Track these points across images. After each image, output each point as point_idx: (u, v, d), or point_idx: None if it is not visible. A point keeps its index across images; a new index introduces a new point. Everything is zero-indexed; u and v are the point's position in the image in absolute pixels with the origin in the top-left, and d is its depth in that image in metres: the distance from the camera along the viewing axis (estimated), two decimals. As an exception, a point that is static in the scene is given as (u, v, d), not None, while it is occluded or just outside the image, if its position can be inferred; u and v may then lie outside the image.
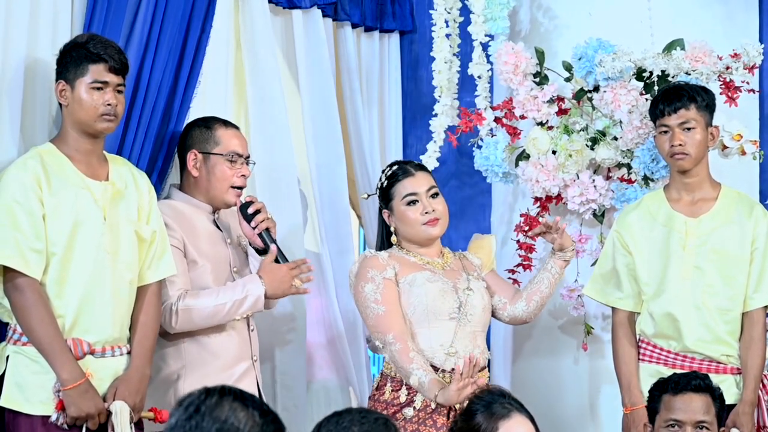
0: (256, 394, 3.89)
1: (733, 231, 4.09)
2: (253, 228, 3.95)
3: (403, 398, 3.94)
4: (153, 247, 3.72)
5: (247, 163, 4.03)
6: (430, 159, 4.70)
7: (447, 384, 3.79)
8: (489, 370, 4.20)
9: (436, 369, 3.92)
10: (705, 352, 4.07)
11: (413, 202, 4.06)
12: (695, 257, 4.08)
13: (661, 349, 4.13)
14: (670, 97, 4.10)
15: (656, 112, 4.12)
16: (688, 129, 4.06)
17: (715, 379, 3.83)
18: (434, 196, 4.08)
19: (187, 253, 3.90)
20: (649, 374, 4.05)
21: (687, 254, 4.09)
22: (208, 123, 4.01)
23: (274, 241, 3.96)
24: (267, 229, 3.96)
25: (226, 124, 4.04)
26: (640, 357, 4.16)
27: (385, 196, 4.11)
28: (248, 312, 3.89)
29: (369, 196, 4.31)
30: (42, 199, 3.49)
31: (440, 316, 3.98)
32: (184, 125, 4.07)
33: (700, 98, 4.08)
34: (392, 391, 3.96)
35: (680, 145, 4.05)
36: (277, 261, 3.94)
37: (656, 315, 4.12)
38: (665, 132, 4.10)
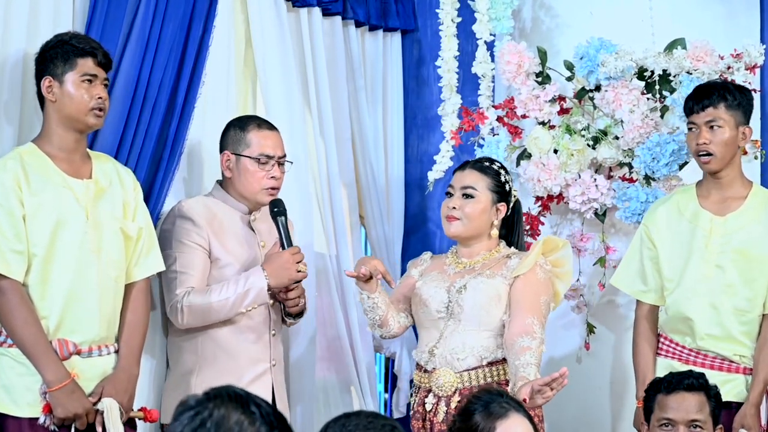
0: (270, 398, 3.87)
1: (759, 232, 4.02)
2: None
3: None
4: (140, 244, 3.68)
5: (281, 164, 4.03)
6: (443, 158, 4.69)
7: None
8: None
9: (420, 368, 3.96)
10: (716, 350, 4.02)
11: (448, 194, 4.04)
12: (717, 256, 4.03)
13: (677, 344, 4.09)
14: (700, 94, 4.04)
15: (686, 109, 4.09)
16: (715, 127, 4.01)
17: (726, 377, 3.81)
18: (467, 196, 3.97)
19: (212, 251, 3.91)
20: (664, 368, 4.00)
21: (709, 252, 4.03)
22: (243, 124, 4.02)
23: (289, 239, 3.97)
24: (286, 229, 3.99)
25: (261, 125, 4.03)
26: (658, 351, 4.13)
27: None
28: (253, 304, 3.88)
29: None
30: (22, 200, 3.44)
31: (430, 316, 3.98)
32: (212, 126, 4.11)
33: (731, 97, 4.01)
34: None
35: (704, 143, 4.00)
36: (282, 247, 3.95)
37: (671, 310, 4.09)
38: (692, 129, 4.06)
